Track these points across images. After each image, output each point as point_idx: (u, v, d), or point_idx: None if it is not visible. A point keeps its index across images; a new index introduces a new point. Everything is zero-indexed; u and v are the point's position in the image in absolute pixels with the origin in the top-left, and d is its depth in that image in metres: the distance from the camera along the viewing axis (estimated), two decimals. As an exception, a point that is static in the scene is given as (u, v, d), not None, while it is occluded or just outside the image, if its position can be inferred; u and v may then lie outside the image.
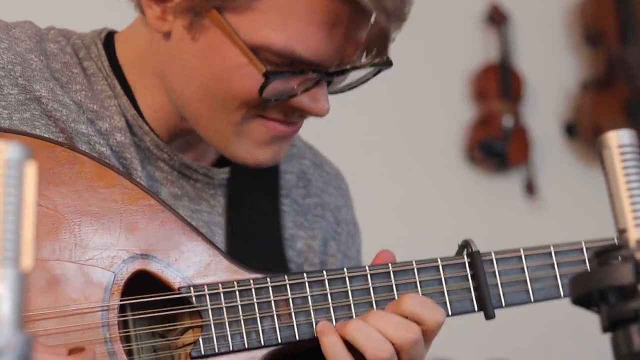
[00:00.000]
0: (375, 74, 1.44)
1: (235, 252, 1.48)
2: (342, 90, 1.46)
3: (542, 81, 4.20)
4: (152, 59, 1.45)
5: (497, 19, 4.15)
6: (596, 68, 4.24)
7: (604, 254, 0.91)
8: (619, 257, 0.88)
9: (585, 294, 0.90)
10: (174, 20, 1.38)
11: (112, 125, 1.45)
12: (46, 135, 1.40)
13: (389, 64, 1.42)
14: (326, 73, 1.38)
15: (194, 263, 1.36)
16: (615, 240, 1.44)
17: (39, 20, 1.55)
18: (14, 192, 0.75)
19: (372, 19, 1.37)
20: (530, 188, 4.11)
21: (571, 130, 4.21)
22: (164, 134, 1.49)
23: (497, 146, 4.03)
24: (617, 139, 0.90)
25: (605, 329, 0.90)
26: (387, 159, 3.94)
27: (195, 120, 1.44)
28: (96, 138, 1.43)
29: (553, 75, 4.24)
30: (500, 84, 4.10)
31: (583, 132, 4.18)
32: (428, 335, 1.36)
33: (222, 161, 1.56)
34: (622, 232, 0.89)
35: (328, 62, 1.37)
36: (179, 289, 1.34)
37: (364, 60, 1.42)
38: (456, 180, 4.06)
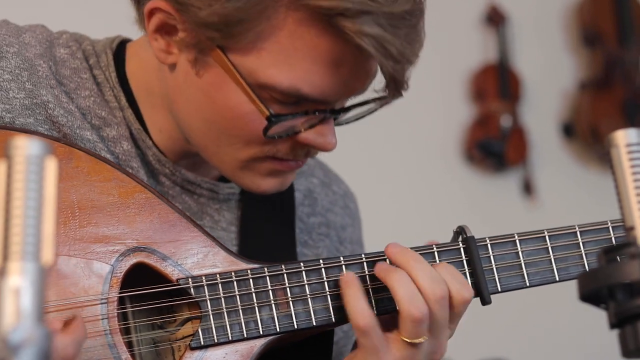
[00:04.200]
0: (382, 105, 1.42)
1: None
2: (348, 122, 1.45)
3: (540, 81, 4.21)
4: (160, 82, 1.45)
5: (495, 19, 4.16)
6: (594, 69, 4.25)
7: (612, 251, 0.92)
8: (627, 255, 0.89)
9: (594, 290, 0.91)
10: (179, 53, 1.37)
11: (120, 134, 1.46)
12: None
13: (396, 96, 1.38)
14: (331, 110, 1.37)
15: (191, 254, 1.36)
16: (609, 225, 1.46)
17: (53, 24, 1.55)
18: (34, 187, 0.76)
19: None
20: (527, 188, 4.12)
21: (569, 130, 4.22)
22: (169, 153, 1.50)
23: (495, 146, 4.04)
24: (626, 137, 0.91)
25: (613, 326, 0.90)
26: (385, 158, 3.95)
27: (201, 149, 1.44)
28: (101, 144, 1.44)
29: (551, 75, 4.25)
30: (498, 84, 4.11)
31: (581, 133, 4.19)
32: (453, 309, 1.35)
33: None
34: (630, 229, 0.89)
35: (334, 99, 1.36)
36: (177, 280, 1.35)
37: (372, 93, 1.40)
38: (454, 180, 4.07)
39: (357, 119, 1.45)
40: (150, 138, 1.48)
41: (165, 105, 1.45)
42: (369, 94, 1.41)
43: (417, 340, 1.33)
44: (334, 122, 1.40)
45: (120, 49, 1.52)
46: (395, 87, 1.34)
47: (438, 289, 1.33)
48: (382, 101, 1.40)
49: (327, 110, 1.37)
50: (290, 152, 1.40)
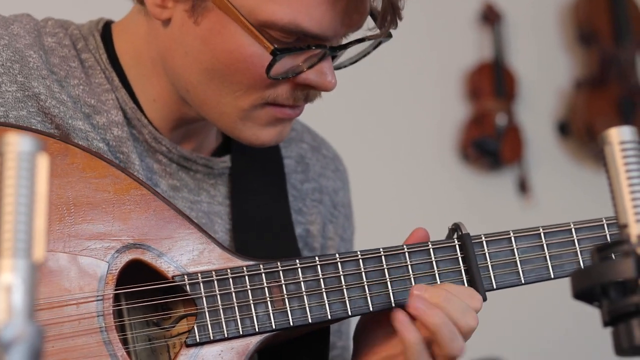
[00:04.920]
0: (375, 47, 1.44)
1: (242, 239, 1.50)
2: (345, 66, 1.47)
3: (535, 80, 4.21)
4: (150, 47, 1.46)
5: (491, 17, 4.16)
6: (589, 67, 4.25)
7: (606, 249, 0.92)
8: (620, 252, 0.89)
9: (587, 289, 0.91)
10: (175, 5, 1.38)
11: (109, 120, 1.46)
12: None
13: (388, 35, 1.42)
14: (331, 48, 1.39)
15: (187, 251, 1.37)
16: (604, 222, 1.46)
17: (36, 11, 1.55)
18: (26, 184, 0.76)
19: None
20: (523, 186, 4.12)
21: (564, 128, 4.22)
22: (163, 125, 1.50)
23: (490, 144, 4.05)
24: (619, 135, 0.91)
25: (607, 324, 0.90)
26: (381, 156, 3.95)
27: (199, 104, 1.44)
28: (93, 134, 1.44)
29: (547, 74, 4.25)
30: (494, 82, 4.11)
31: (576, 131, 4.19)
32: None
33: (221, 150, 1.57)
34: (623, 227, 0.90)
35: (332, 34, 1.38)
36: (172, 277, 1.35)
37: (367, 32, 1.43)
38: (450, 178, 4.07)
39: (352, 63, 1.47)
40: (146, 116, 1.48)
41: (157, 71, 1.46)
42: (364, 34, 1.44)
43: None
44: (332, 61, 1.41)
45: (105, 30, 1.52)
46: (393, 11, 1.36)
47: (473, 322, 1.36)
48: (377, 39, 1.43)
49: (327, 46, 1.38)
50: (290, 96, 1.41)
